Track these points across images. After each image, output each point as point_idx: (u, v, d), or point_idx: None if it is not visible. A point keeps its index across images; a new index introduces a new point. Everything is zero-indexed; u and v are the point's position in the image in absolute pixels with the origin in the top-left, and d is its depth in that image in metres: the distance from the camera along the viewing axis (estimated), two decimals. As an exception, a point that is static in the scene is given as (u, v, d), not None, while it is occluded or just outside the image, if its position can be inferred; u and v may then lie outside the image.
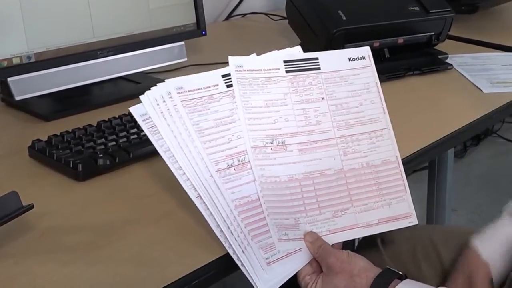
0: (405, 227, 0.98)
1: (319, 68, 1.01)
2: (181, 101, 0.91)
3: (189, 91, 0.92)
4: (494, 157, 3.19)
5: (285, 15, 1.81)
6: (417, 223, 0.98)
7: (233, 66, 0.96)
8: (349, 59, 1.03)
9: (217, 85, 0.95)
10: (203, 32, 1.53)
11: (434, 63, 1.57)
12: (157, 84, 0.92)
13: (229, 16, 2.13)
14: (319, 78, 1.00)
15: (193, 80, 0.94)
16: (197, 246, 0.88)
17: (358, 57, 1.03)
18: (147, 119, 0.90)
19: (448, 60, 1.59)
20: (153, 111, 0.90)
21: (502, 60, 1.65)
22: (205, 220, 0.88)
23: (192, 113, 0.91)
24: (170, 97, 0.91)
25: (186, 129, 0.90)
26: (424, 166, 2.27)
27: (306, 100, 0.98)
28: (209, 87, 0.94)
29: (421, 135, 1.21)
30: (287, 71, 0.99)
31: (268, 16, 2.10)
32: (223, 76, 0.95)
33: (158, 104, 0.90)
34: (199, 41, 1.60)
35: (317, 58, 1.01)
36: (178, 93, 0.92)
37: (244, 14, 2.16)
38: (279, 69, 0.98)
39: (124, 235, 0.90)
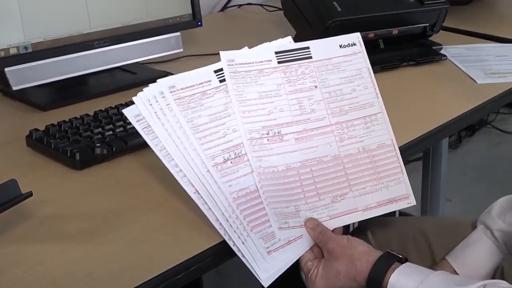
0: (404, 208, 0.99)
1: (310, 57, 1.02)
2: (174, 99, 0.92)
3: (181, 89, 0.93)
4: (488, 148, 3.20)
5: (280, 6, 1.82)
6: (415, 203, 1.00)
7: (225, 61, 0.97)
8: (340, 46, 1.04)
9: (210, 80, 0.95)
10: (199, 23, 1.54)
11: (429, 54, 1.57)
12: (149, 85, 0.93)
13: (225, 7, 2.14)
14: (312, 67, 1.01)
15: (185, 78, 0.94)
16: (195, 233, 0.89)
17: (349, 44, 1.04)
18: (141, 119, 0.91)
19: (442, 51, 1.60)
20: (146, 112, 0.91)
21: (496, 51, 1.66)
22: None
23: (186, 110, 0.92)
24: (163, 97, 0.92)
25: (181, 126, 0.91)
26: (418, 156, 2.28)
27: (299, 89, 0.99)
28: (202, 83, 0.95)
29: (416, 125, 1.22)
30: (279, 62, 1.00)
31: (264, 7, 2.11)
32: (215, 71, 0.96)
33: (151, 104, 0.91)
34: (195, 32, 1.61)
35: (308, 48, 1.02)
36: (171, 92, 0.92)
37: (240, 5, 2.16)
38: (271, 60, 0.99)
39: (122, 222, 0.91)
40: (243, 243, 0.88)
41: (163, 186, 1.00)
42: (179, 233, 0.89)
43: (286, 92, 0.98)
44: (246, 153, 0.93)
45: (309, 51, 1.02)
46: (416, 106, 1.33)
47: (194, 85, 0.94)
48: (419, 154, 2.27)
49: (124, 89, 1.37)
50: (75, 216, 0.93)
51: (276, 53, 1.00)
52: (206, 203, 0.89)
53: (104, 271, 0.81)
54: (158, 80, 0.93)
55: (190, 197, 0.95)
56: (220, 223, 0.88)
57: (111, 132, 1.12)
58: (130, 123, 1.14)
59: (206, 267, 0.87)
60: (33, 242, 0.87)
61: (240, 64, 0.98)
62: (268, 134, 0.95)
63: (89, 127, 1.13)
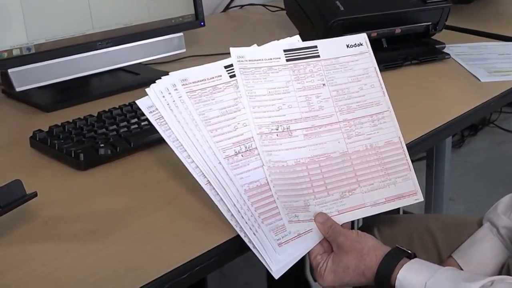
0: (412, 204, 1.00)
1: (318, 56, 1.03)
2: (186, 92, 0.93)
3: (193, 82, 0.95)
4: (491, 147, 3.20)
5: (283, 6, 1.82)
6: (422, 199, 1.01)
7: (235, 57, 0.98)
8: (347, 46, 1.05)
9: (220, 75, 0.97)
10: (202, 23, 1.54)
11: (432, 53, 1.57)
12: (162, 77, 0.94)
13: (227, 8, 2.14)
14: (319, 65, 1.02)
15: (196, 72, 0.96)
16: (199, 233, 0.89)
17: (356, 44, 1.06)
18: (153, 111, 0.92)
19: (445, 50, 1.60)
20: (159, 103, 0.92)
21: (499, 50, 1.66)
22: (208, 206, 0.90)
23: (198, 103, 0.93)
24: (175, 89, 0.93)
25: (193, 119, 0.92)
26: (422, 156, 2.28)
27: (307, 87, 1.01)
28: (213, 78, 0.96)
29: (419, 124, 1.22)
30: (287, 60, 1.01)
31: (266, 7, 2.11)
32: (225, 67, 0.98)
33: (163, 96, 0.92)
34: (197, 32, 1.61)
35: (316, 46, 1.04)
36: (183, 85, 0.94)
37: (242, 6, 2.16)
38: (279, 58, 1.01)
39: (127, 222, 0.91)
40: (254, 234, 0.89)
41: (167, 186, 1.00)
42: (184, 233, 0.89)
43: (295, 89, 1.00)
44: (256, 147, 0.95)
45: (317, 49, 1.03)
46: (420, 105, 1.33)
47: (205, 79, 0.96)
48: (422, 153, 2.27)
49: (127, 90, 1.37)
50: (80, 216, 0.93)
51: (284, 51, 1.02)
52: (218, 194, 0.89)
53: (109, 271, 0.81)
54: (170, 73, 0.94)
55: (194, 197, 0.95)
56: (232, 214, 0.89)
57: (115, 133, 1.12)
58: (133, 124, 1.15)
59: (211, 267, 0.87)
60: (37, 243, 0.87)
61: (249, 60, 0.99)
62: (277, 130, 0.97)
63: (92, 127, 1.13)
